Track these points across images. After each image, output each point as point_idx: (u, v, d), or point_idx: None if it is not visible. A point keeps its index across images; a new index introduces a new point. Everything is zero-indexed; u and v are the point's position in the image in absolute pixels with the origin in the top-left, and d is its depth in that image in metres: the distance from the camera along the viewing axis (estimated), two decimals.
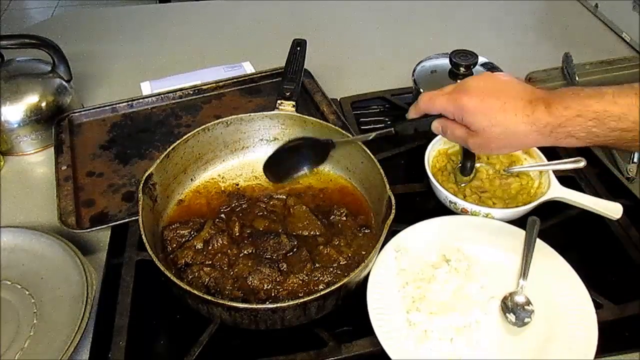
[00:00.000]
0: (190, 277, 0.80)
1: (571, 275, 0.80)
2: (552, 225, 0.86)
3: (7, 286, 0.82)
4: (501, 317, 0.76)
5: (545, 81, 1.21)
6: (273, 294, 0.78)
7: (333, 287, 0.71)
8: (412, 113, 0.80)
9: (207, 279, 0.79)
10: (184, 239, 0.85)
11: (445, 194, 0.89)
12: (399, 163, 1.05)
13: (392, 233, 0.83)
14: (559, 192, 0.88)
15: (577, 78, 1.19)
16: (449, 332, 0.74)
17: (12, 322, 0.78)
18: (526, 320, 0.75)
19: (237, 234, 0.86)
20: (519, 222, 0.87)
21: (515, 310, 0.76)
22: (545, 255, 0.82)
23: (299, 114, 0.97)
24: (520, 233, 0.85)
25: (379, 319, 0.74)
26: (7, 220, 0.95)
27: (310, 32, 1.16)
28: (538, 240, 0.83)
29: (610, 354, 0.75)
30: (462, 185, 0.93)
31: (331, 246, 0.83)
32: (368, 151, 0.88)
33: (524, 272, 0.80)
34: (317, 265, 0.81)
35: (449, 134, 0.77)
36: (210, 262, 0.82)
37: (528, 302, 0.77)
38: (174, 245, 0.85)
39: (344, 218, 0.89)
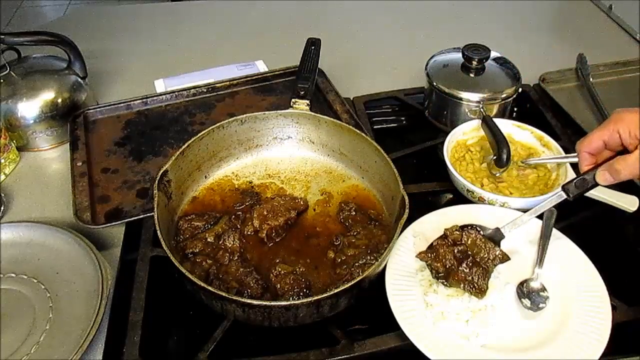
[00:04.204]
0: (191, 266, 0.81)
1: (586, 264, 0.80)
2: (565, 227, 0.86)
3: (24, 280, 0.83)
4: (516, 302, 0.78)
5: (559, 82, 1.21)
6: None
7: (346, 285, 0.71)
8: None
9: (206, 269, 0.81)
10: (197, 231, 0.86)
11: (463, 182, 0.90)
12: (410, 163, 1.05)
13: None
14: None
15: (591, 79, 1.19)
16: (465, 313, 0.75)
17: (28, 316, 0.78)
18: (541, 305, 0.76)
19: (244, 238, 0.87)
20: None
21: (530, 295, 0.78)
22: (562, 244, 0.83)
23: (313, 113, 0.97)
24: (537, 223, 0.85)
25: (396, 300, 0.76)
26: (23, 215, 0.95)
27: (322, 32, 1.16)
28: (554, 231, 0.84)
29: (622, 356, 0.75)
30: (497, 174, 0.94)
31: (341, 254, 0.83)
32: (382, 151, 0.88)
33: (540, 260, 0.81)
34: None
35: (623, 166, 0.72)
36: (213, 255, 0.83)
37: (543, 289, 0.78)
38: (187, 235, 0.86)
39: (353, 213, 0.89)
